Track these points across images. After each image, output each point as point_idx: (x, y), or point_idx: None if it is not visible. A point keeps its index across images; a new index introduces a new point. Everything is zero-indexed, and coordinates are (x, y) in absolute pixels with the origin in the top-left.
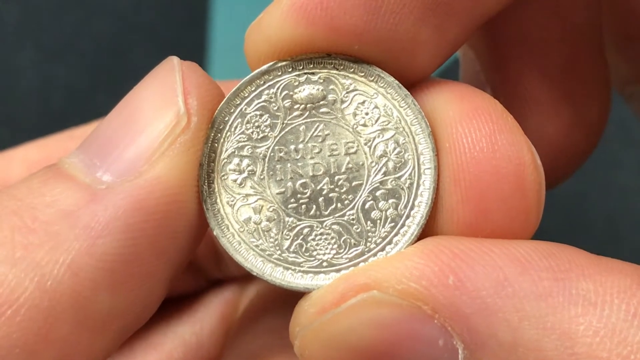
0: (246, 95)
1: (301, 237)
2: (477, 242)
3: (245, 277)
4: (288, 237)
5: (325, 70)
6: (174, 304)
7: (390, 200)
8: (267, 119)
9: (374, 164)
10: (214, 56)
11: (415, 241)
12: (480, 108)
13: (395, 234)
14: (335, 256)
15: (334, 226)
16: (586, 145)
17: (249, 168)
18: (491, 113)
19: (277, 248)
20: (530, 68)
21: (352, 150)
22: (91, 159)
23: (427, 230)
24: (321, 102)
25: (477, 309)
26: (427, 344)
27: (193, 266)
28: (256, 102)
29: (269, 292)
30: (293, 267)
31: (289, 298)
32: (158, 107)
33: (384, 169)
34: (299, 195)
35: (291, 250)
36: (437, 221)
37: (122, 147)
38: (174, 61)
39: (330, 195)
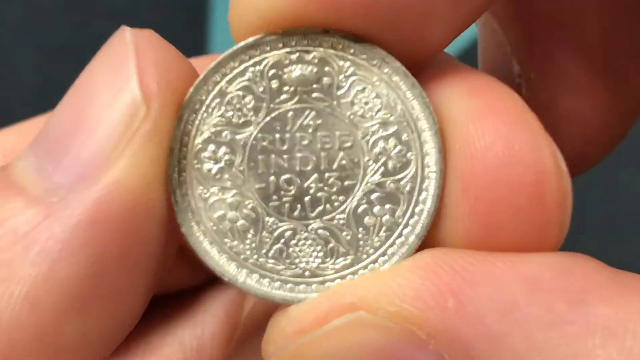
0: (227, 72)
1: (282, 240)
2: (480, 256)
3: None
4: (267, 239)
5: (322, 49)
6: (173, 303)
7: (387, 206)
8: (250, 101)
9: (371, 162)
10: None
11: (413, 255)
12: (497, 105)
13: (391, 245)
14: (320, 265)
15: (320, 231)
16: (622, 126)
17: (227, 157)
18: (510, 111)
19: (254, 252)
20: (564, 41)
21: (347, 145)
22: (42, 162)
23: (428, 242)
24: (314, 86)
25: (479, 335)
26: None
27: (188, 259)
28: (239, 80)
29: None
30: (271, 275)
31: None
32: (110, 96)
33: (382, 169)
34: (282, 192)
35: (270, 255)
36: (439, 233)
37: (74, 148)
38: (125, 35)
39: (319, 194)
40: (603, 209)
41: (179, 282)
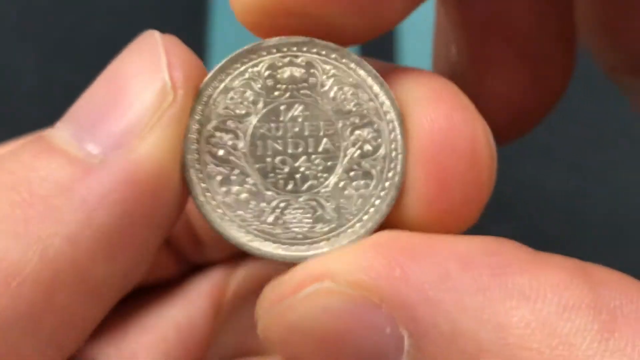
0: (231, 71)
1: (278, 210)
2: (426, 238)
3: (229, 259)
4: (266, 209)
5: (308, 55)
6: (163, 289)
7: (363, 181)
8: (250, 96)
9: (349, 147)
10: (214, 56)
11: (384, 220)
12: (439, 92)
13: (366, 213)
14: (310, 230)
15: (309, 201)
16: (543, 106)
17: (231, 142)
18: (449, 96)
19: (255, 219)
20: (495, 27)
21: (330, 132)
22: (81, 132)
23: (395, 209)
24: (302, 84)
25: (420, 300)
26: (375, 331)
27: (174, 251)
28: (240, 78)
29: (257, 275)
30: (270, 238)
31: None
32: (145, 81)
33: (358, 152)
34: (277, 171)
35: (268, 222)
36: (404, 201)
37: (112, 121)
38: (155, 35)
39: (307, 172)
40: (602, 209)
41: (166, 273)
